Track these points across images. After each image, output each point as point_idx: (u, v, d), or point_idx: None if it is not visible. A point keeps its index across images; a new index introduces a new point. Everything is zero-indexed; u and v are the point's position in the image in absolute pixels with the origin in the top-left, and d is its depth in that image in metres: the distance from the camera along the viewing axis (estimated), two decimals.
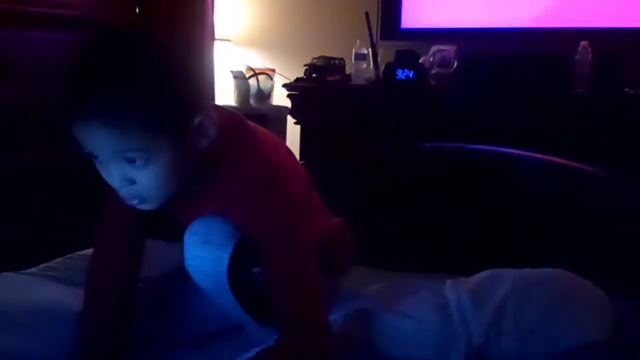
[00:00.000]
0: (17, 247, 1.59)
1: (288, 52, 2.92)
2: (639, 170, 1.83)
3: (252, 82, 2.80)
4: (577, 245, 1.34)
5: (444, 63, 2.43)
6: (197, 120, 0.90)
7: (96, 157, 0.88)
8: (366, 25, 2.49)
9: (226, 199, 0.99)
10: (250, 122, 1.06)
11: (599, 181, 1.41)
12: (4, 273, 1.26)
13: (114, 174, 0.88)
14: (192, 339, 1.12)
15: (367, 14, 2.50)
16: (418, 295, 1.11)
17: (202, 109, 0.92)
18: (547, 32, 2.46)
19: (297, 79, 2.60)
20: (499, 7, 2.52)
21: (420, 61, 2.45)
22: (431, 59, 2.44)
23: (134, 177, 0.89)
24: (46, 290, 1.20)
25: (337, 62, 2.58)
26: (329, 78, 2.56)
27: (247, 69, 2.81)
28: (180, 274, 1.07)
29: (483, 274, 1.13)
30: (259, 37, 3.02)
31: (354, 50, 2.55)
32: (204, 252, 0.98)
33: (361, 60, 2.55)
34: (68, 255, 1.42)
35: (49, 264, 1.38)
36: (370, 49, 2.51)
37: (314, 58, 2.59)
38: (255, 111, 2.79)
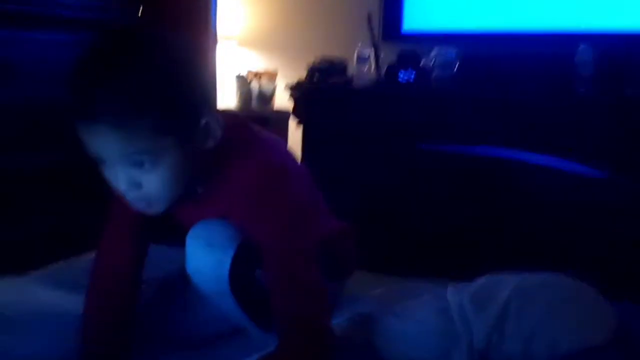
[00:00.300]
0: (19, 249, 1.59)
1: (290, 53, 2.92)
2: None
3: (254, 84, 2.80)
4: (579, 248, 1.34)
5: (445, 65, 2.43)
6: (203, 120, 0.91)
7: (103, 161, 0.88)
8: (368, 27, 2.49)
9: (229, 201, 0.99)
10: (252, 124, 1.06)
11: (601, 183, 1.41)
12: (6, 276, 1.27)
13: (120, 177, 0.88)
14: (192, 342, 1.12)
15: (369, 16, 2.51)
16: (420, 298, 1.12)
17: (208, 110, 0.92)
18: (547, 35, 2.45)
19: (300, 81, 2.60)
20: (500, 10, 2.52)
21: (421, 63, 2.46)
22: (432, 61, 2.44)
23: (141, 181, 0.89)
24: (48, 293, 1.20)
25: (339, 63, 2.58)
26: (331, 80, 2.56)
27: (249, 72, 2.81)
28: (181, 277, 1.07)
29: (484, 278, 1.13)
30: (261, 38, 3.02)
31: (356, 52, 2.55)
32: (206, 255, 0.98)
33: (363, 62, 2.54)
34: (70, 259, 1.43)
35: (51, 267, 1.38)
36: (372, 51, 2.51)
37: (316, 59, 2.59)
38: (257, 113, 2.80)
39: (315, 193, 1.16)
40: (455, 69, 2.42)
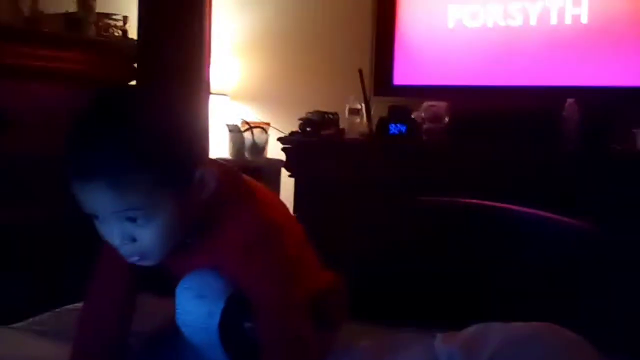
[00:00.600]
0: (7, 300, 1.57)
1: (283, 106, 2.97)
2: (626, 225, 1.85)
3: (247, 135, 2.84)
4: (567, 299, 1.34)
5: (435, 118, 2.48)
6: (197, 174, 0.92)
7: (96, 216, 0.89)
8: (360, 81, 2.55)
9: (221, 253, 0.99)
10: (245, 176, 1.07)
11: (588, 236, 1.42)
12: None
13: (115, 233, 0.89)
14: None
15: (360, 70, 2.57)
16: (410, 350, 1.11)
17: (201, 163, 0.93)
18: (535, 90, 2.52)
19: (292, 133, 2.64)
20: (489, 66, 2.59)
21: (412, 116, 2.50)
22: (423, 114, 2.49)
23: (135, 235, 0.89)
24: (35, 345, 1.18)
25: (331, 116, 2.63)
26: (323, 132, 2.60)
27: (242, 123, 2.85)
28: (171, 329, 1.06)
29: (473, 328, 1.12)
30: (255, 92, 3.08)
31: (347, 105, 2.60)
32: (196, 307, 0.98)
33: (355, 115, 2.59)
34: (57, 310, 1.41)
35: (38, 318, 1.36)
36: (363, 104, 2.56)
37: (308, 112, 2.64)
38: (250, 164, 2.82)
39: (307, 245, 1.16)
40: (446, 122, 2.47)
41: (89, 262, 1.08)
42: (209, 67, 1.70)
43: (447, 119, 2.47)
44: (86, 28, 2.33)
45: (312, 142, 2.61)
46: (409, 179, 2.38)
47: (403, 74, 2.73)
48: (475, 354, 1.05)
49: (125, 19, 2.45)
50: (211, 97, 2.96)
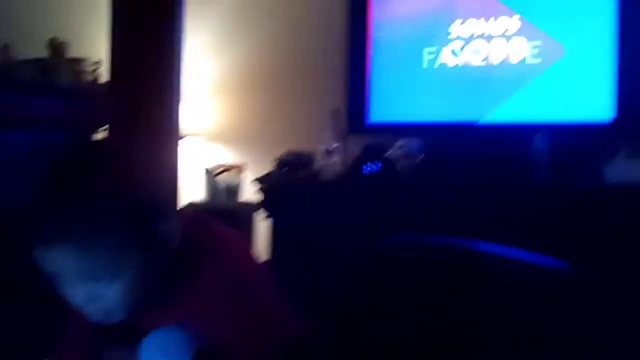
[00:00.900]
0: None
1: (258, 147, 2.96)
2: (597, 262, 1.87)
3: (222, 177, 2.82)
4: (541, 342, 1.33)
5: (410, 156, 2.50)
6: (161, 229, 0.90)
7: (59, 276, 0.86)
8: (334, 121, 2.57)
9: (192, 305, 0.96)
10: (216, 225, 1.05)
11: (560, 274, 1.42)
12: None
13: (79, 293, 0.86)
14: None
15: (334, 111, 2.58)
16: None
17: (166, 218, 0.92)
18: (505, 127, 2.54)
19: (268, 174, 2.63)
20: (461, 103, 2.62)
21: (386, 155, 2.51)
22: (397, 152, 2.50)
23: (100, 294, 0.87)
24: None
25: (306, 157, 2.63)
26: (299, 173, 2.59)
27: (216, 165, 2.84)
28: None
29: None
30: (230, 133, 3.07)
31: (322, 146, 2.60)
32: None
33: (330, 155, 2.59)
34: None
35: None
36: (338, 144, 2.57)
37: (283, 153, 2.63)
38: (225, 207, 2.80)
39: (279, 292, 1.14)
40: (420, 160, 2.48)
41: (58, 318, 1.04)
42: (179, 113, 1.69)
43: (421, 157, 2.49)
44: (58, 74, 2.32)
45: (287, 183, 2.60)
46: (385, 219, 2.38)
47: (377, 112, 2.75)
48: None
49: (97, 64, 2.45)
50: (187, 138, 2.97)
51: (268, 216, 2.63)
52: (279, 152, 2.64)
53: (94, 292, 0.86)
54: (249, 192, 2.81)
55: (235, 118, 3.07)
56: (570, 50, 2.45)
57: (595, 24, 2.41)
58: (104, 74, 2.40)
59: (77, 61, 2.42)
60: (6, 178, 1.98)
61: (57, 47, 2.35)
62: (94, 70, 2.43)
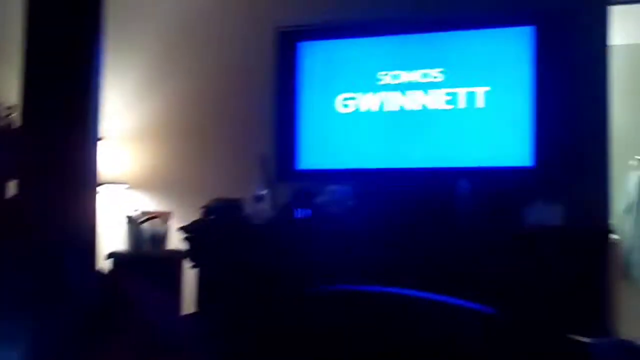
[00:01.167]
0: None
1: (185, 194, 2.88)
2: (517, 303, 1.91)
3: (146, 226, 2.71)
4: None
5: (339, 202, 2.49)
6: (74, 285, 0.83)
7: None
8: (262, 167, 2.54)
9: None
10: (135, 279, 0.99)
11: (487, 320, 1.43)
12: None
13: None
14: None
15: (263, 157, 2.56)
16: None
17: (80, 272, 0.85)
18: (431, 171, 2.59)
19: (194, 222, 2.56)
20: (388, 149, 2.65)
21: (316, 200, 2.50)
22: (327, 198, 2.49)
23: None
24: None
25: (234, 203, 2.57)
26: (227, 220, 2.53)
27: (140, 213, 2.73)
28: None
29: None
30: (155, 180, 2.98)
31: (251, 192, 2.56)
32: None
33: (259, 202, 2.55)
34: None
35: None
36: (267, 191, 2.54)
37: (211, 200, 2.57)
38: (150, 256, 2.69)
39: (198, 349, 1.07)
40: (349, 205, 2.48)
41: None
42: (96, 160, 1.61)
43: (350, 202, 2.48)
44: None
45: (215, 230, 2.53)
46: (316, 265, 2.34)
47: (306, 159, 2.74)
48: None
49: (10, 109, 2.32)
50: (109, 186, 2.86)
51: (195, 266, 2.54)
52: (206, 199, 2.57)
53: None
54: (175, 241, 2.71)
55: (161, 165, 2.98)
56: (492, 98, 2.55)
57: (514, 73, 2.53)
58: (17, 120, 2.28)
59: None
60: None
61: None
62: (7, 116, 2.30)
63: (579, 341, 1.38)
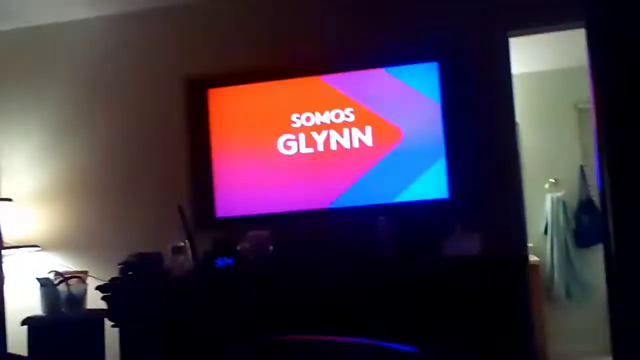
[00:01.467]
0: None
1: (101, 252, 2.79)
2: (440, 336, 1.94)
3: (62, 287, 2.60)
4: None
5: (260, 247, 2.47)
6: None
7: None
8: (180, 217, 2.50)
9: None
10: None
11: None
12: None
13: None
14: None
15: (180, 206, 2.52)
16: None
17: None
18: (351, 210, 2.62)
19: (112, 279, 2.47)
20: (305, 191, 2.67)
21: (237, 247, 2.47)
22: (248, 245, 2.47)
23: None
24: None
25: (153, 257, 2.50)
26: (147, 274, 2.46)
27: (55, 275, 2.62)
28: None
29: None
30: (69, 240, 2.88)
31: (170, 244, 2.50)
32: None
33: (179, 253, 2.50)
34: None
35: None
36: (187, 241, 2.49)
37: (129, 255, 2.49)
38: (67, 318, 2.58)
39: None
40: (270, 250, 2.46)
41: None
42: None
43: (271, 247, 2.47)
44: None
45: (134, 286, 2.46)
46: (240, 313, 2.31)
47: (225, 206, 2.72)
48: None
49: None
50: (20, 249, 2.74)
51: (115, 325, 2.45)
52: (124, 255, 2.50)
53: None
54: (95, 301, 2.60)
55: (74, 224, 2.89)
56: (407, 136, 2.61)
57: (424, 108, 2.59)
58: None
59: None
60: None
61: None
62: None
63: None
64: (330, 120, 2.69)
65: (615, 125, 1.72)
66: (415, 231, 2.45)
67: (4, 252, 2.68)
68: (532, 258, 3.67)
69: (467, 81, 2.58)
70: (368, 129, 2.65)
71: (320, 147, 2.69)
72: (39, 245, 2.83)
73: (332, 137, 2.68)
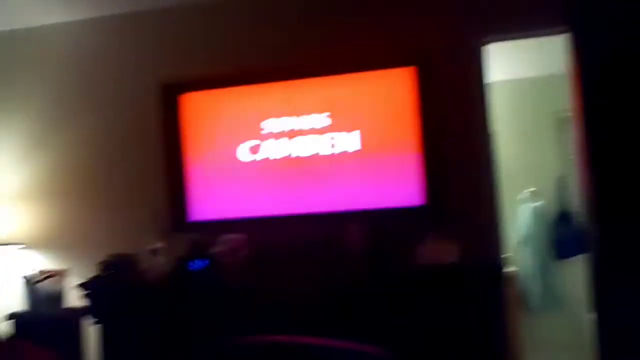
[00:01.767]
0: None
1: (80, 252, 2.87)
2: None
3: (43, 285, 2.70)
4: None
5: (235, 251, 2.55)
6: None
7: None
8: (156, 220, 2.57)
9: None
10: (23, 344, 1.01)
11: None
12: None
13: None
14: None
15: (156, 210, 2.60)
16: None
17: None
18: (325, 216, 2.68)
19: (91, 278, 2.56)
20: (278, 196, 2.73)
21: (212, 251, 2.55)
22: (222, 248, 2.54)
23: None
24: None
25: (130, 258, 2.59)
26: (124, 275, 2.55)
27: (36, 272, 2.72)
28: None
29: None
30: (51, 238, 2.96)
31: (146, 245, 2.59)
32: None
33: (154, 254, 2.59)
34: None
35: None
36: (162, 244, 2.58)
37: (107, 255, 2.59)
38: (48, 315, 2.67)
39: None
40: (244, 253, 2.54)
41: None
42: None
43: (245, 251, 2.55)
44: None
45: (113, 286, 2.55)
46: (213, 316, 2.38)
47: (199, 210, 2.79)
48: None
49: None
50: (4, 247, 2.83)
51: (96, 322, 2.55)
52: (103, 255, 2.59)
53: None
54: (74, 298, 2.70)
55: (57, 223, 2.97)
56: (382, 142, 2.63)
57: (400, 113, 2.61)
58: None
59: None
60: None
61: None
62: None
63: None
64: (304, 126, 2.72)
65: (598, 132, 1.70)
66: (389, 238, 2.47)
67: None
68: (509, 268, 3.69)
69: (442, 88, 2.60)
70: (342, 134, 2.69)
71: (294, 153, 2.72)
72: (22, 243, 2.92)
73: (305, 143, 2.72)
